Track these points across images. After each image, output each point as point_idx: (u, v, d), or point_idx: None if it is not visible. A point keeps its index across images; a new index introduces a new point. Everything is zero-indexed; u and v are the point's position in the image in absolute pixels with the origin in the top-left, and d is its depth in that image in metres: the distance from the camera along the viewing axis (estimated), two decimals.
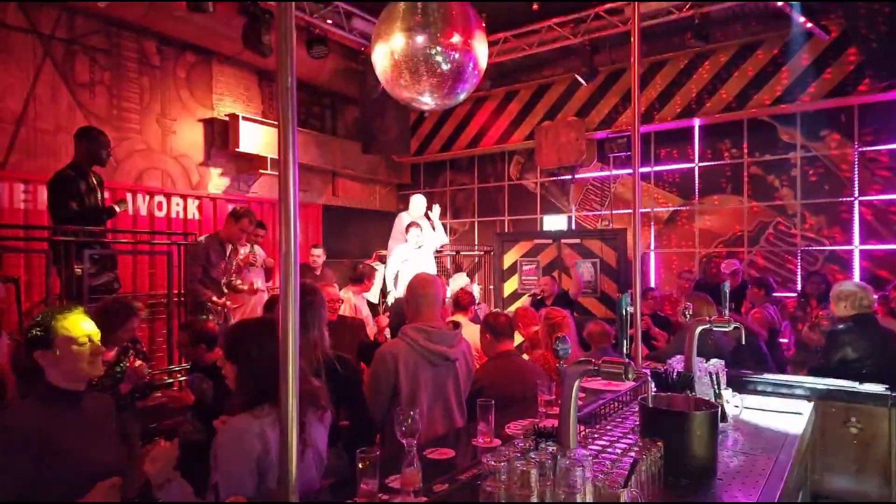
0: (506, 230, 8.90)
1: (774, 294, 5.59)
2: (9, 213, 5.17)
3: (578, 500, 1.41)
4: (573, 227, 8.34)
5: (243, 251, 4.63)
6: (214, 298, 4.23)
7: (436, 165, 9.74)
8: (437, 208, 6.50)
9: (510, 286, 7.88)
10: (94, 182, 4.02)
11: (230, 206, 5.71)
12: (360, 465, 1.59)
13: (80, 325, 1.78)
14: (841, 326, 3.46)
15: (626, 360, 1.53)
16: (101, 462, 1.74)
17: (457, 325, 2.80)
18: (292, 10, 1.41)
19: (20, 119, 5.43)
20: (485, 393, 2.56)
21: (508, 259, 7.91)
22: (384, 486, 1.70)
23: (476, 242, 9.23)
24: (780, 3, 5.79)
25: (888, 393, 2.81)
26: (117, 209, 4.05)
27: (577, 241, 7.40)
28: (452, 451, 2.13)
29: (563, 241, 7.50)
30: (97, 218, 3.97)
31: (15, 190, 5.27)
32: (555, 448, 1.57)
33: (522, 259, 7.78)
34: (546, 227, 8.57)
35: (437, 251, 6.98)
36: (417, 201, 6.52)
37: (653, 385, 2.70)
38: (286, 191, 1.41)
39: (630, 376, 1.50)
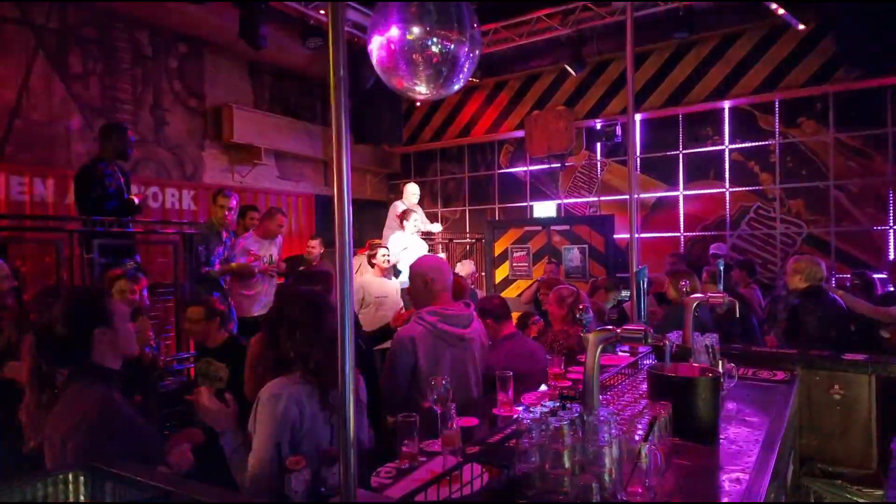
0: (496, 218, 9.06)
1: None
2: (6, 205, 5.17)
3: (607, 452, 1.57)
4: (562, 213, 8.54)
5: (268, 257, 4.72)
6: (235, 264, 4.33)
7: (426, 155, 9.85)
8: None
9: (501, 273, 8.05)
10: (121, 175, 4.09)
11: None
12: (401, 429, 1.73)
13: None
14: (795, 300, 3.76)
15: (645, 326, 1.69)
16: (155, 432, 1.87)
17: (468, 304, 2.93)
18: (343, 11, 1.52)
19: (14, 111, 5.41)
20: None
21: (499, 246, 8.07)
22: (421, 449, 1.85)
23: (467, 230, 9.38)
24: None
25: (868, 361, 3.04)
26: (136, 202, 4.12)
27: (567, 227, 7.59)
28: (475, 419, 2.28)
29: (552, 227, 7.69)
30: (123, 210, 4.04)
31: (11, 181, 5.27)
32: (580, 409, 1.73)
33: (513, 246, 7.95)
34: (536, 215, 8.75)
35: (430, 239, 7.10)
36: (411, 189, 6.63)
37: (653, 357, 2.91)
38: (340, 179, 1.49)
39: (649, 340, 1.66)
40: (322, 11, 6.52)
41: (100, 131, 4.22)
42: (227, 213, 4.59)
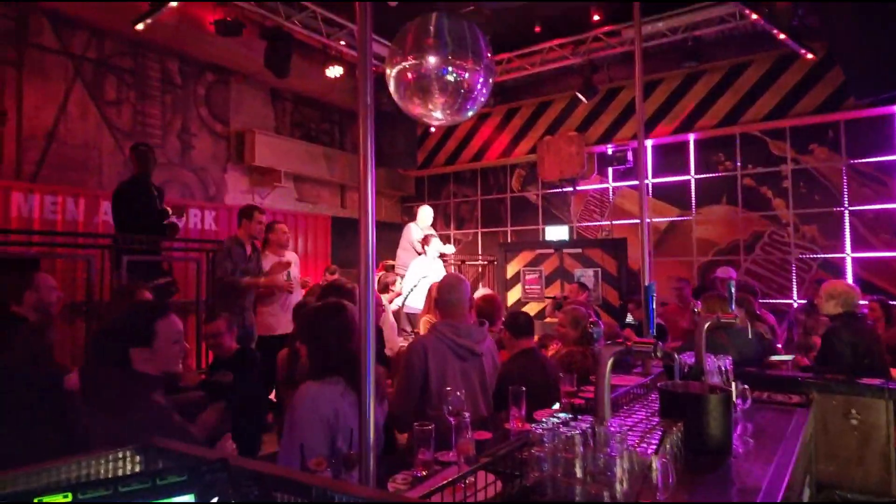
0: (508, 240, 9.16)
1: (764, 300, 5.84)
2: (39, 223, 5.38)
3: (618, 462, 1.63)
4: (574, 237, 8.62)
5: (285, 274, 4.85)
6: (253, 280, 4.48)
7: (440, 178, 10.02)
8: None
9: (514, 295, 8.11)
10: (155, 193, 4.26)
11: None
12: (418, 437, 1.81)
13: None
14: (831, 325, 3.71)
15: (654, 340, 1.76)
16: None
17: (483, 322, 3.01)
18: (370, 56, 1.65)
19: (51, 134, 5.66)
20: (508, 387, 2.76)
21: (512, 268, 8.15)
22: (435, 459, 1.92)
23: (480, 252, 9.48)
24: (772, 30, 6.11)
25: (885, 386, 2.97)
26: (174, 219, 4.27)
27: (579, 250, 7.65)
28: (489, 433, 2.34)
29: (564, 250, 7.76)
30: (158, 228, 4.19)
31: (45, 202, 5.48)
32: (592, 420, 1.79)
33: (525, 268, 8.02)
34: (548, 238, 8.84)
35: (444, 261, 7.21)
36: (425, 212, 6.77)
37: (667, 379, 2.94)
38: (365, 200, 1.60)
39: (658, 353, 1.73)
40: (342, 42, 6.77)
41: (137, 150, 4.39)
42: (260, 227, 4.76)
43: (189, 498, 0.70)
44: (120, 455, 0.96)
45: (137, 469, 0.96)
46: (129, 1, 5.09)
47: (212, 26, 5.57)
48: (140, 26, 5.01)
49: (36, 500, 0.63)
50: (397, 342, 4.82)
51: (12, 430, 2.33)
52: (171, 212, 4.30)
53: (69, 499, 0.64)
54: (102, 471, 0.93)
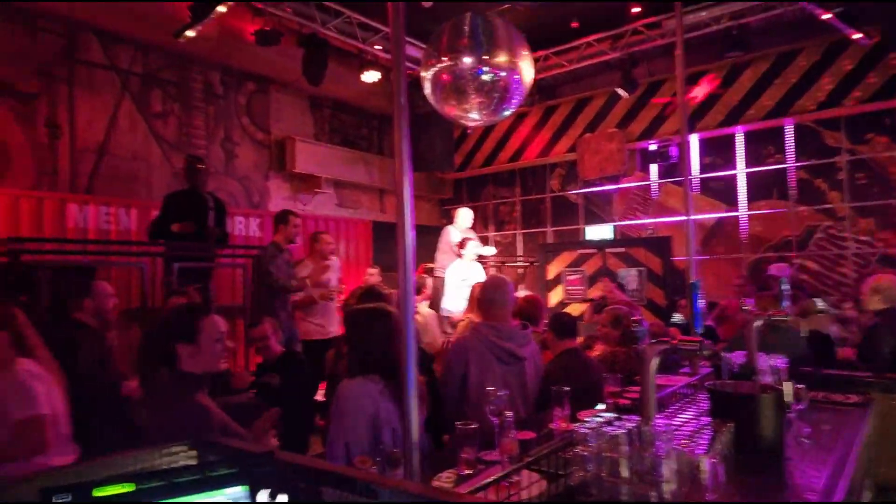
0: (549, 241, 9.06)
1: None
2: (95, 233, 5.64)
3: (665, 462, 1.59)
4: (617, 236, 8.46)
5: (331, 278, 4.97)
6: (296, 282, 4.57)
7: (478, 180, 10.01)
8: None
9: (555, 296, 8.01)
10: (212, 204, 4.42)
11: None
12: (461, 436, 1.81)
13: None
14: (875, 321, 3.57)
15: (700, 338, 1.71)
16: None
17: (526, 325, 3.00)
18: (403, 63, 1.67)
19: (102, 147, 5.92)
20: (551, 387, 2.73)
21: (553, 269, 8.05)
22: (478, 458, 1.92)
23: (519, 253, 9.42)
24: (822, 14, 5.87)
25: None
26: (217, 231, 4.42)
27: (622, 249, 7.51)
28: (532, 433, 2.32)
29: (607, 250, 7.62)
30: (206, 236, 4.35)
31: (99, 212, 5.74)
32: (638, 420, 1.75)
33: (567, 269, 7.91)
34: (589, 237, 8.70)
35: (483, 263, 7.19)
36: (464, 214, 6.76)
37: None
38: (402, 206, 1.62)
39: (705, 352, 1.68)
40: (378, 46, 6.85)
41: (195, 161, 4.54)
42: (297, 230, 4.89)
43: (241, 490, 0.72)
44: (175, 450, 1.01)
45: (192, 462, 1.00)
46: (172, 1, 5.25)
47: (251, 36, 5.72)
48: (188, 34, 5.15)
49: (101, 490, 0.66)
50: (437, 338, 4.90)
51: (77, 429, 2.46)
52: (218, 233, 4.42)
53: (132, 488, 0.68)
54: (158, 464, 0.97)
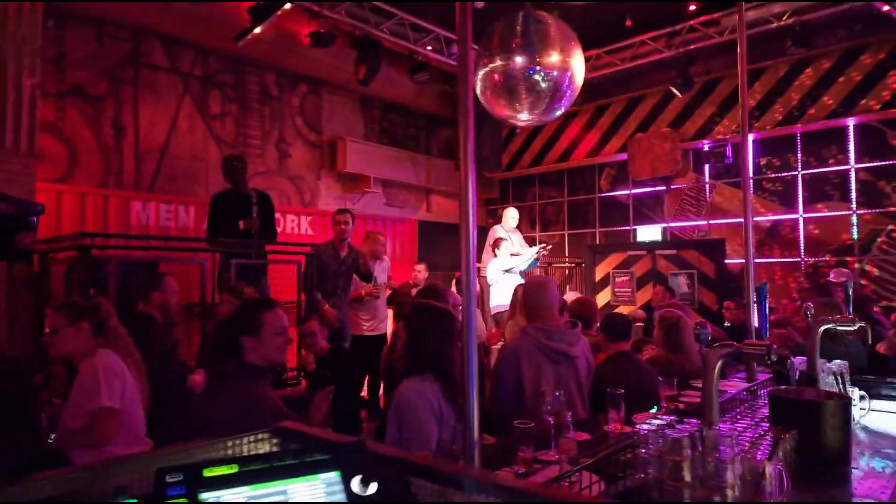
0: (597, 242, 8.95)
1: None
2: (156, 230, 5.90)
3: (729, 467, 1.57)
4: (668, 237, 8.28)
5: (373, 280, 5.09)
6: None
7: (524, 180, 9.97)
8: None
9: (603, 298, 7.91)
10: (255, 199, 4.58)
11: None
12: (518, 435, 1.83)
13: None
14: None
15: (769, 343, 1.68)
16: None
17: (575, 323, 2.98)
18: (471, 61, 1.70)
19: (164, 148, 6.19)
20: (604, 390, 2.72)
21: (600, 271, 7.95)
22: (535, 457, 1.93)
23: (566, 254, 9.33)
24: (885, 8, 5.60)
25: None
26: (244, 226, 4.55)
27: (673, 251, 7.34)
28: (587, 434, 2.32)
29: (657, 252, 7.47)
30: (247, 234, 4.51)
31: (160, 210, 6.01)
32: (698, 423, 1.73)
33: (615, 271, 7.80)
34: (639, 238, 8.55)
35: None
36: (510, 214, 6.75)
37: (773, 385, 2.79)
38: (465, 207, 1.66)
39: (773, 358, 1.65)
40: (429, 47, 6.92)
41: (232, 160, 4.71)
42: (346, 227, 5.00)
43: (335, 475, 0.77)
44: (259, 437, 1.07)
45: (276, 450, 1.06)
46: (235, 1, 5.43)
47: (306, 38, 5.87)
48: (253, 33, 5.32)
49: (210, 471, 0.72)
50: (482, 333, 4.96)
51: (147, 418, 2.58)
52: (247, 226, 4.50)
53: (235, 470, 0.73)
54: (245, 450, 1.03)
